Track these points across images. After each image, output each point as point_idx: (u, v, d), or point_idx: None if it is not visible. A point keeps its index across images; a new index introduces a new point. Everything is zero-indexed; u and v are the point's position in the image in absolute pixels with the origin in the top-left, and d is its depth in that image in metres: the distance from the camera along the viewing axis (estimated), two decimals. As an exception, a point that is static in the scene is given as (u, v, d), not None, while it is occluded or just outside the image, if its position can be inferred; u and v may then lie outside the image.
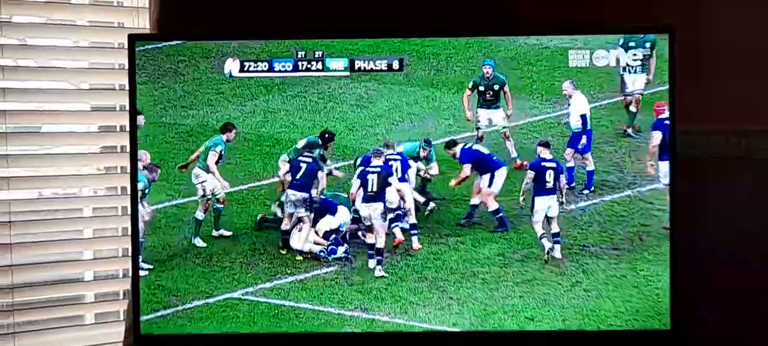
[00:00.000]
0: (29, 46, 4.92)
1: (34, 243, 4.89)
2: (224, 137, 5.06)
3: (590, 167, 5.10)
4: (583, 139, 5.13)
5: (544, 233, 4.84)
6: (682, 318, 4.38)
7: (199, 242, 4.96)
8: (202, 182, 5.07)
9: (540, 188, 4.88)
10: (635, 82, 5.08)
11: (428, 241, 4.93)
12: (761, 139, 4.87)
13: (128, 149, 4.51)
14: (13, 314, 4.84)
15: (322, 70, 4.56)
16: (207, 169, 5.06)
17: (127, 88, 4.45)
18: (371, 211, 4.92)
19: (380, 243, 4.87)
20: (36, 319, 4.94)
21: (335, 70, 4.58)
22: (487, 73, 5.14)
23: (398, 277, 4.79)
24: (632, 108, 5.25)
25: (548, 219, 4.87)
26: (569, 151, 5.15)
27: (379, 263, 4.83)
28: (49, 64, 4.95)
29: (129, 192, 4.53)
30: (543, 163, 4.90)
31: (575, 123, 5.16)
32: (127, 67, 4.44)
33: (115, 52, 5.03)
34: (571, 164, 5.15)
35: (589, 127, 5.13)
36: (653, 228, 4.66)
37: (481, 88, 5.21)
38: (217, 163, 5.06)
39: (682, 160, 4.46)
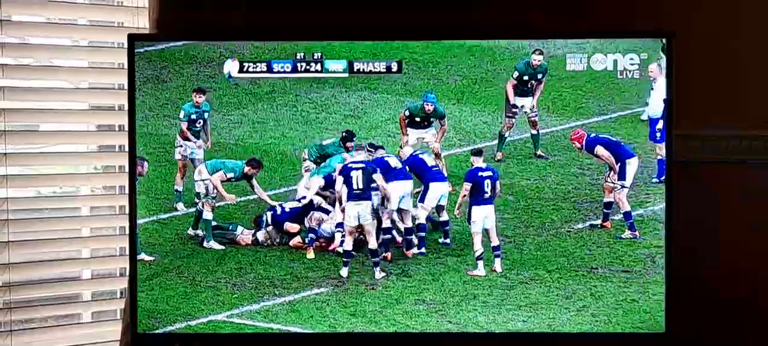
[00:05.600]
0: (29, 44, 4.94)
1: (31, 241, 4.89)
2: (247, 169, 4.96)
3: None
4: (660, 124, 4.83)
5: (481, 253, 4.74)
6: (678, 322, 4.40)
7: (214, 244, 4.88)
8: (205, 179, 4.97)
9: (478, 198, 4.79)
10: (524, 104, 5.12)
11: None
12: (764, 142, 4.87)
13: (126, 149, 4.52)
14: (11, 311, 4.85)
15: (321, 71, 4.53)
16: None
17: (126, 87, 4.46)
18: (360, 209, 4.81)
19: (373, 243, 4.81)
20: (33, 317, 4.95)
21: (334, 72, 4.53)
22: (429, 108, 5.12)
23: (394, 299, 4.64)
24: (533, 130, 5.23)
25: (486, 231, 4.77)
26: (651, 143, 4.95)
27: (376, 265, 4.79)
28: (49, 63, 4.96)
29: (127, 191, 4.53)
30: (480, 173, 4.80)
31: (656, 109, 4.85)
32: (126, 66, 4.45)
33: (114, 52, 5.04)
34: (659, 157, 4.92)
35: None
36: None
37: (417, 119, 5.20)
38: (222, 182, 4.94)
39: (683, 164, 4.46)
